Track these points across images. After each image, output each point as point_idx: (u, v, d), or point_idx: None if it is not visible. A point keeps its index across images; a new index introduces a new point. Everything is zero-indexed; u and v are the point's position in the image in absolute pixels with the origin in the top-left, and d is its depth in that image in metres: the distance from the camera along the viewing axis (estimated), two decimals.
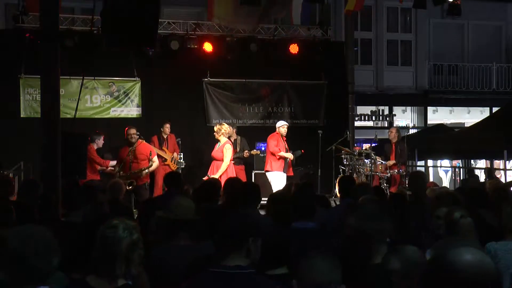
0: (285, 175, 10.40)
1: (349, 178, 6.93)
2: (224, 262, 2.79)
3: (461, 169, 15.29)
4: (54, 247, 2.50)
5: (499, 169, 12.77)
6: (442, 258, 1.85)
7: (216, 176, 9.40)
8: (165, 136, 11.06)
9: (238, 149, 11.08)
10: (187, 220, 3.82)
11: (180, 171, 10.63)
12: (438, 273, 1.82)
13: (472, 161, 15.60)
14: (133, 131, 9.54)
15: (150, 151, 9.51)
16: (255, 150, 11.46)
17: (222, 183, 6.72)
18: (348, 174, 11.51)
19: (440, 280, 1.81)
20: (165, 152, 10.94)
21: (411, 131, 17.35)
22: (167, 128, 11.03)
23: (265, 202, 5.23)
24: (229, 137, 10.29)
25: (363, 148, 12.90)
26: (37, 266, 2.44)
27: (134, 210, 7.68)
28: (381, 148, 11.85)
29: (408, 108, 18.94)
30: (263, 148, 11.59)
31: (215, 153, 10.01)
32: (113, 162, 10.14)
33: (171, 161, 10.97)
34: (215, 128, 10.14)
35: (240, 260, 2.79)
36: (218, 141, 10.05)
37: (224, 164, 9.65)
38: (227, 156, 9.77)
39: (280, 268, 3.17)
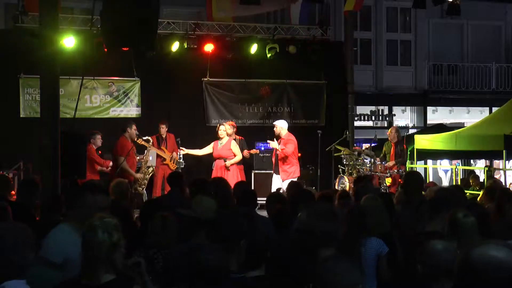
0: (274, 175, 10.48)
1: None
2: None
3: (461, 169, 15.29)
4: (31, 243, 2.54)
5: (499, 169, 12.77)
6: (470, 256, 1.83)
7: (229, 163, 10.11)
8: (164, 136, 11.06)
9: None
10: (209, 220, 3.82)
11: (180, 171, 10.63)
12: (467, 271, 1.81)
13: (471, 161, 15.60)
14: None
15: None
16: (254, 150, 11.48)
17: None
18: (348, 174, 11.52)
19: (470, 279, 1.79)
20: (164, 152, 10.94)
21: (411, 131, 17.35)
22: (162, 128, 11.01)
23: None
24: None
25: (363, 148, 12.90)
26: (13, 260, 2.48)
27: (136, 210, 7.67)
28: (381, 148, 11.86)
29: (408, 108, 18.95)
30: (262, 148, 11.64)
31: (221, 151, 10.11)
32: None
33: (170, 161, 10.97)
34: (226, 127, 10.27)
35: (232, 264, 2.80)
36: (219, 139, 10.23)
37: (238, 157, 10.25)
38: (239, 150, 10.32)
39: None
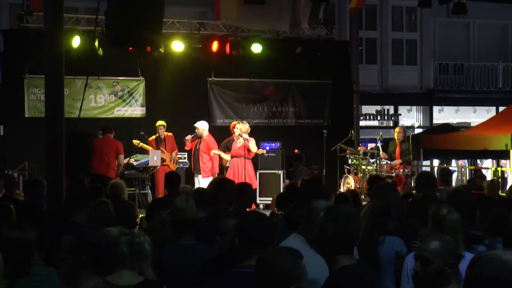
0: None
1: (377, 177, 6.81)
2: (250, 262, 2.83)
3: (467, 169, 15.21)
4: None
5: (506, 169, 12.70)
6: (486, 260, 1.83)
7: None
8: (162, 137, 11.00)
9: None
10: (188, 221, 3.83)
11: (184, 170, 10.66)
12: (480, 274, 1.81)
13: (478, 160, 15.52)
14: None
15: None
16: (260, 150, 11.46)
17: None
18: (353, 173, 11.48)
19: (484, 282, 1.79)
20: (163, 153, 10.90)
21: (417, 131, 17.28)
22: (160, 129, 10.95)
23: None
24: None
25: (369, 148, 12.86)
26: None
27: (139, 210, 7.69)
28: (386, 147, 11.83)
29: (414, 108, 18.87)
30: (267, 148, 11.62)
31: (239, 150, 10.43)
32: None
33: (170, 161, 10.94)
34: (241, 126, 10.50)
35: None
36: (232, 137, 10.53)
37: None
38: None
39: None
